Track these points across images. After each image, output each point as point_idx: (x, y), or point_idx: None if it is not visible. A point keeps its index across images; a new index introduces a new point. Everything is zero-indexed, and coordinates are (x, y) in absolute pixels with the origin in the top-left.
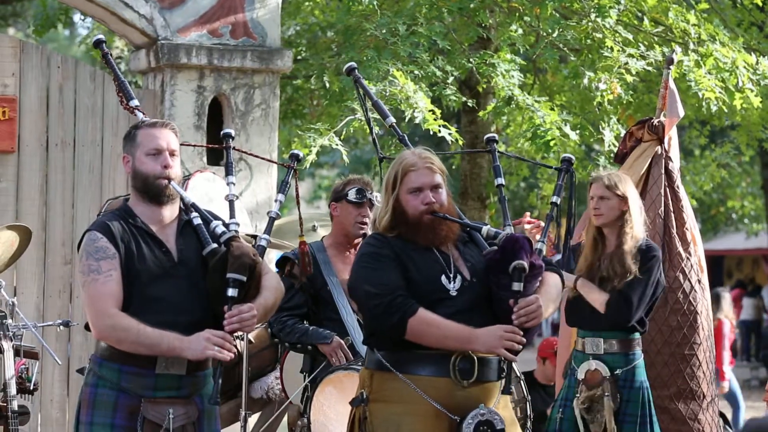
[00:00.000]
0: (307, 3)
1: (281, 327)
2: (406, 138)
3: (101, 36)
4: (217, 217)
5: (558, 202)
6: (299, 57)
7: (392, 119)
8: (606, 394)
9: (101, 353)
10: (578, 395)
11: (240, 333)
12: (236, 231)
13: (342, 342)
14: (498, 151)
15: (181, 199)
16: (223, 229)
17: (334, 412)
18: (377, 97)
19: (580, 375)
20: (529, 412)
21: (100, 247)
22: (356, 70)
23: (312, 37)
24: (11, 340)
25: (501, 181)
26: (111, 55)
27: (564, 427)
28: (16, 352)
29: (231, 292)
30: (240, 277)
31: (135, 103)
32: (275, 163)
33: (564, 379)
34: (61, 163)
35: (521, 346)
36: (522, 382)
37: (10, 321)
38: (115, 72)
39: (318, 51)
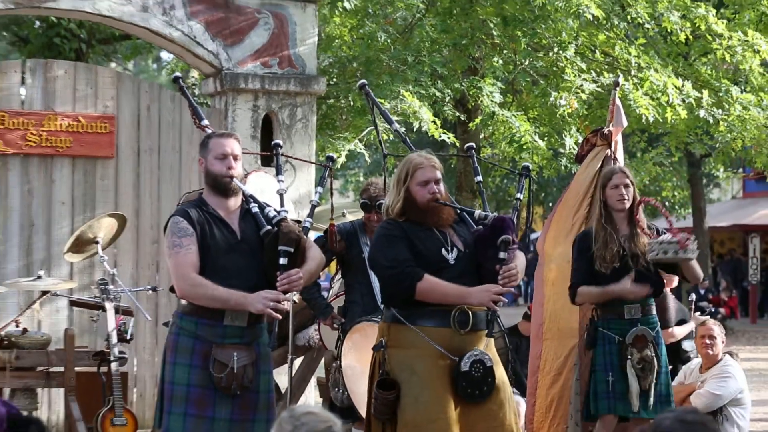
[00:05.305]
0: (337, 40)
1: (309, 297)
2: (408, 140)
3: (179, 74)
4: (269, 206)
5: (521, 198)
6: (331, 82)
7: (397, 125)
8: (653, 354)
9: (182, 309)
10: (630, 357)
11: (288, 295)
12: (285, 216)
13: (334, 314)
14: (476, 157)
15: (242, 192)
16: (275, 213)
17: (360, 355)
18: (391, 112)
19: (629, 339)
20: (510, 358)
21: (181, 228)
22: (366, 86)
23: (341, 67)
24: (112, 302)
25: (479, 179)
26: (186, 88)
27: (617, 388)
28: (116, 311)
29: (282, 260)
30: (288, 249)
31: (205, 122)
32: (315, 163)
33: (589, 348)
34: (149, 165)
35: (504, 301)
36: (505, 335)
37: (111, 287)
38: (189, 101)
39: (346, 77)
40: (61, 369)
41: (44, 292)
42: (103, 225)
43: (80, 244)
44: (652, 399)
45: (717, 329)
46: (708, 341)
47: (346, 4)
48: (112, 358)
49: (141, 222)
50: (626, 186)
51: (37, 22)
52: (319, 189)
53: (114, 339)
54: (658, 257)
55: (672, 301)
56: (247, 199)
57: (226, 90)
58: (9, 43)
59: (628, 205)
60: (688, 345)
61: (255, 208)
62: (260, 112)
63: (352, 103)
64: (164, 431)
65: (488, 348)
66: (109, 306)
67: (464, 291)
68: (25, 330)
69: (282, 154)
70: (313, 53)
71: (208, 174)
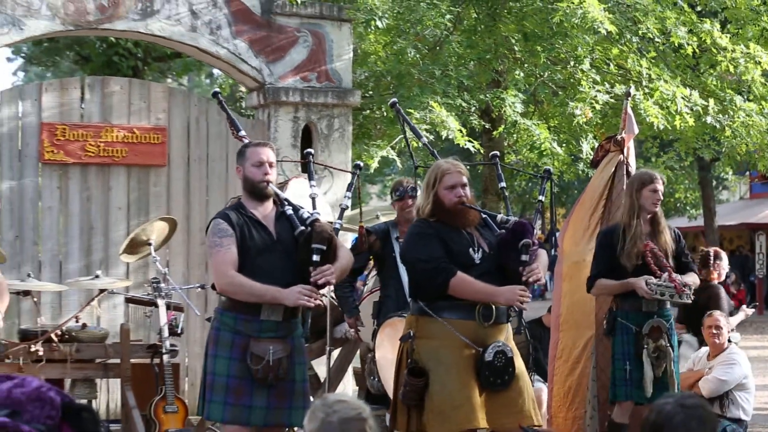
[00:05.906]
0: (372, 56)
1: (341, 295)
2: (435, 152)
3: (217, 89)
4: (302, 208)
5: (542, 200)
6: (367, 95)
7: (425, 139)
8: (667, 344)
9: (223, 305)
10: (646, 347)
11: (325, 291)
12: (318, 217)
13: (358, 317)
14: (499, 164)
15: (277, 195)
16: (309, 214)
17: (392, 347)
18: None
19: (646, 330)
20: (530, 351)
21: (222, 229)
22: (397, 104)
23: (376, 80)
24: (164, 299)
25: (503, 185)
26: (224, 102)
27: (634, 376)
28: (168, 307)
29: (315, 257)
30: (321, 246)
31: (243, 133)
32: (342, 170)
33: (608, 337)
34: (198, 173)
35: (529, 300)
36: (526, 329)
37: (163, 285)
38: (228, 114)
39: (380, 90)
40: (118, 361)
41: (102, 290)
42: (156, 228)
43: (135, 246)
44: (670, 387)
45: (723, 320)
46: (715, 331)
47: (379, 23)
48: (164, 351)
49: (191, 225)
50: (660, 191)
51: (98, 43)
52: (349, 194)
53: (166, 333)
54: (655, 297)
55: (723, 292)
56: (282, 202)
57: (269, 103)
58: (72, 61)
59: (657, 208)
60: (735, 336)
61: (290, 211)
62: (300, 123)
63: (385, 114)
64: (206, 418)
65: (509, 340)
66: (161, 303)
67: (493, 290)
68: (84, 325)
69: (315, 162)
70: (348, 68)
71: (245, 180)
